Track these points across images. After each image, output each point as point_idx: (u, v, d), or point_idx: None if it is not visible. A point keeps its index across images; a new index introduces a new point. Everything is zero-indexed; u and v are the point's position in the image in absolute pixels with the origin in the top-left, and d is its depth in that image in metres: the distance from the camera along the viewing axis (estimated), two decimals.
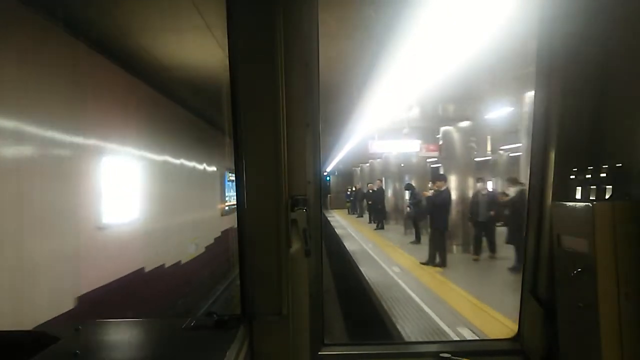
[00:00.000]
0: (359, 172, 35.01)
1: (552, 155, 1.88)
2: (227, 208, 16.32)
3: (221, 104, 9.27)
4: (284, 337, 1.92)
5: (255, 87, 1.83)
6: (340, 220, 26.07)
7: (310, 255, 1.99)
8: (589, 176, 1.68)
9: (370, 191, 23.01)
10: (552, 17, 1.86)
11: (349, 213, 32.39)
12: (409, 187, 14.66)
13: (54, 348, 1.60)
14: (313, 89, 2.00)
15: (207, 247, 13.50)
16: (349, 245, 14.34)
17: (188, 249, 11.96)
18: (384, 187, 23.08)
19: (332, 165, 36.09)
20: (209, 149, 14.57)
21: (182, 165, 11.45)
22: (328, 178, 40.94)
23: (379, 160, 27.35)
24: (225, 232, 15.85)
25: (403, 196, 22.17)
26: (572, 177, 1.77)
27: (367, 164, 30.80)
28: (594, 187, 1.66)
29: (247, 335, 1.86)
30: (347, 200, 34.19)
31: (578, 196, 1.73)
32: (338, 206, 36.93)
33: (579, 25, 1.76)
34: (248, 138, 1.85)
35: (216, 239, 14.67)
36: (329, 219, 27.50)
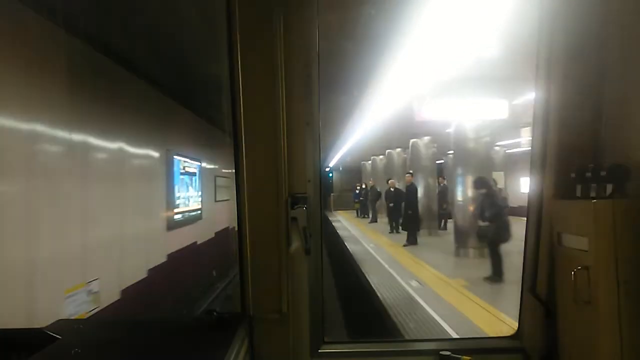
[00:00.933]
0: (368, 166, 29.07)
1: (553, 153, 1.87)
2: (179, 217, 10.29)
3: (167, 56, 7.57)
4: (284, 335, 1.91)
5: (255, 86, 1.83)
6: (349, 228, 19.97)
7: (310, 253, 2.00)
8: (589, 174, 1.67)
9: (392, 189, 16.99)
10: (552, 15, 1.85)
11: (357, 216, 26.58)
12: (482, 183, 8.55)
13: (53, 346, 1.60)
14: (313, 87, 2.00)
15: (126, 290, 7.53)
16: (377, 284, 8.19)
17: (66, 306, 5.90)
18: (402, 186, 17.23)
19: (335, 159, 30.46)
20: (141, 120, 8.56)
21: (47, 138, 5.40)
22: (330, 174, 35.54)
23: (398, 150, 21.56)
24: (175, 257, 9.98)
25: (436, 196, 16.45)
26: (572, 174, 1.75)
27: (382, 157, 24.95)
28: (594, 184, 1.65)
29: (247, 333, 1.86)
30: (356, 200, 28.26)
31: (578, 194, 1.73)
32: (343, 207, 31.35)
33: (579, 23, 1.77)
34: (248, 137, 1.84)
35: (152, 271, 8.76)
36: (334, 224, 21.47)
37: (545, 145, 1.90)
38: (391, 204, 16.86)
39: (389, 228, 17.32)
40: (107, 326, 2.02)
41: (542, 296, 1.94)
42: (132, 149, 8.11)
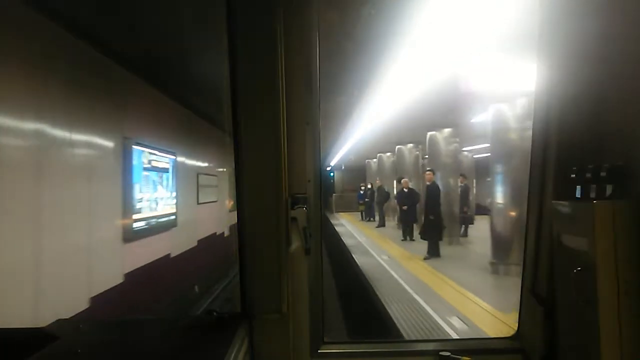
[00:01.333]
0: (374, 165, 26.74)
1: (552, 154, 1.86)
2: (142, 224, 7.97)
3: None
4: (284, 335, 1.92)
5: (255, 86, 1.86)
6: (355, 234, 17.62)
7: (310, 253, 2.01)
8: (589, 175, 1.65)
9: (406, 190, 14.70)
10: (553, 15, 1.85)
11: (362, 219, 24.28)
12: None
13: (54, 346, 1.62)
14: (313, 87, 2.02)
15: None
16: (408, 329, 5.79)
17: None
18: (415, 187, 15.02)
19: (337, 157, 28.16)
20: (83, 97, 6.25)
21: None
22: (332, 174, 33.33)
23: (410, 146, 19.22)
24: (137, 275, 7.80)
25: (457, 197, 14.12)
26: (572, 175, 1.74)
27: (389, 154, 22.64)
28: (594, 185, 1.63)
29: (247, 333, 1.87)
30: (360, 201, 25.93)
31: (578, 195, 1.71)
32: (345, 209, 29.08)
33: (580, 22, 1.76)
34: (248, 137, 1.87)
35: (100, 298, 6.58)
36: (337, 229, 19.13)
37: (545, 145, 1.89)
38: (404, 207, 14.59)
39: (401, 234, 15.05)
40: (107, 326, 2.07)
41: (542, 296, 1.91)
42: (63, 134, 5.79)
